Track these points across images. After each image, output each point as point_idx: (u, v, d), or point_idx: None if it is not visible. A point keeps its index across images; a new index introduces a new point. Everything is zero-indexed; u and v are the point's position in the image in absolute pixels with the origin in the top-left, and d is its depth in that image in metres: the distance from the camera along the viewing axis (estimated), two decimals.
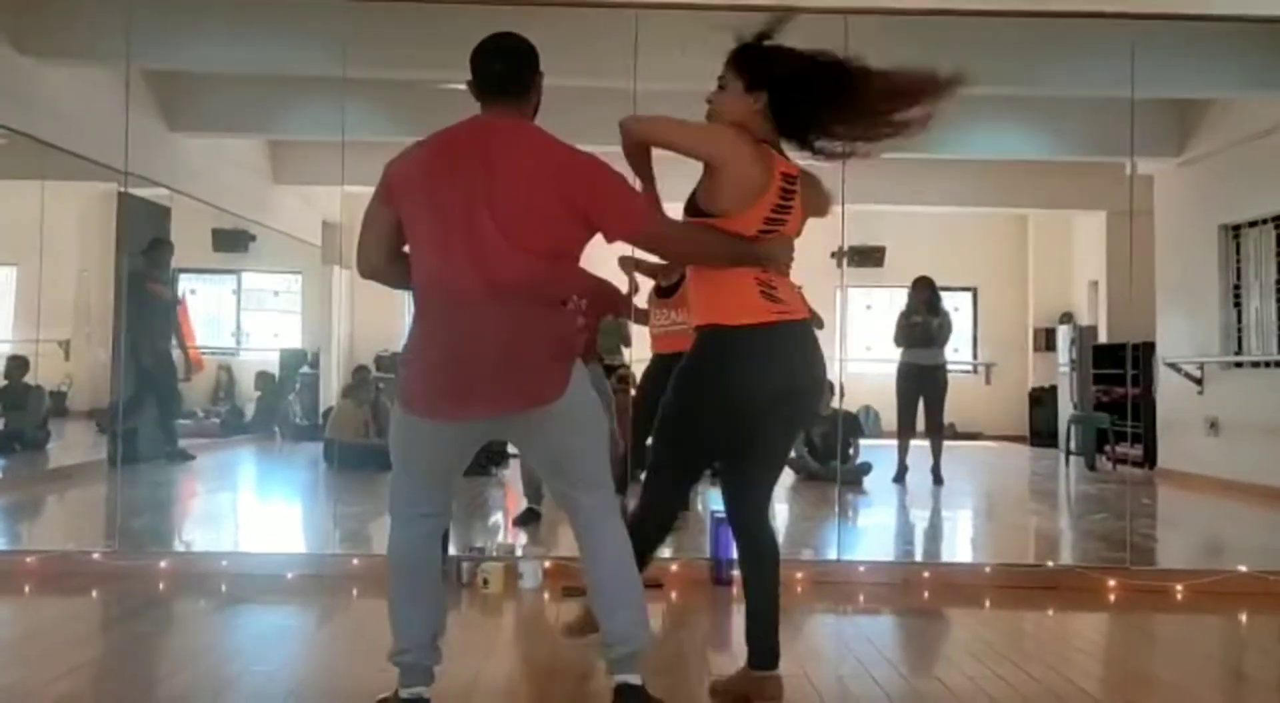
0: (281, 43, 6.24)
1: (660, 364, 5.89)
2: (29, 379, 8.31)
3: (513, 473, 8.68)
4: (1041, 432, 10.90)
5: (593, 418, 2.72)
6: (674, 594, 4.43)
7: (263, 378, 10.49)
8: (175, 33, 6.10)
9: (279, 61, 6.47)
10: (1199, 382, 8.33)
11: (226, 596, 4.35)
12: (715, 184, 2.83)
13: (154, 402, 8.16)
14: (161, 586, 4.44)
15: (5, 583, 4.39)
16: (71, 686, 3.11)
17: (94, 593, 4.35)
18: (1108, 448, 9.30)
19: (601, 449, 2.75)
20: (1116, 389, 9.43)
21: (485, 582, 4.35)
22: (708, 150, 2.82)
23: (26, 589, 4.36)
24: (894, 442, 8.20)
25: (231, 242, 10.05)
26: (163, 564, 4.62)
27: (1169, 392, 8.62)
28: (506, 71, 2.73)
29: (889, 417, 8.92)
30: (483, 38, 2.75)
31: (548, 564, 4.55)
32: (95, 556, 4.69)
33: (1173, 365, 8.47)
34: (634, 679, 2.67)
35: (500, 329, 2.55)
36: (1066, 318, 11.38)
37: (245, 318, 11.14)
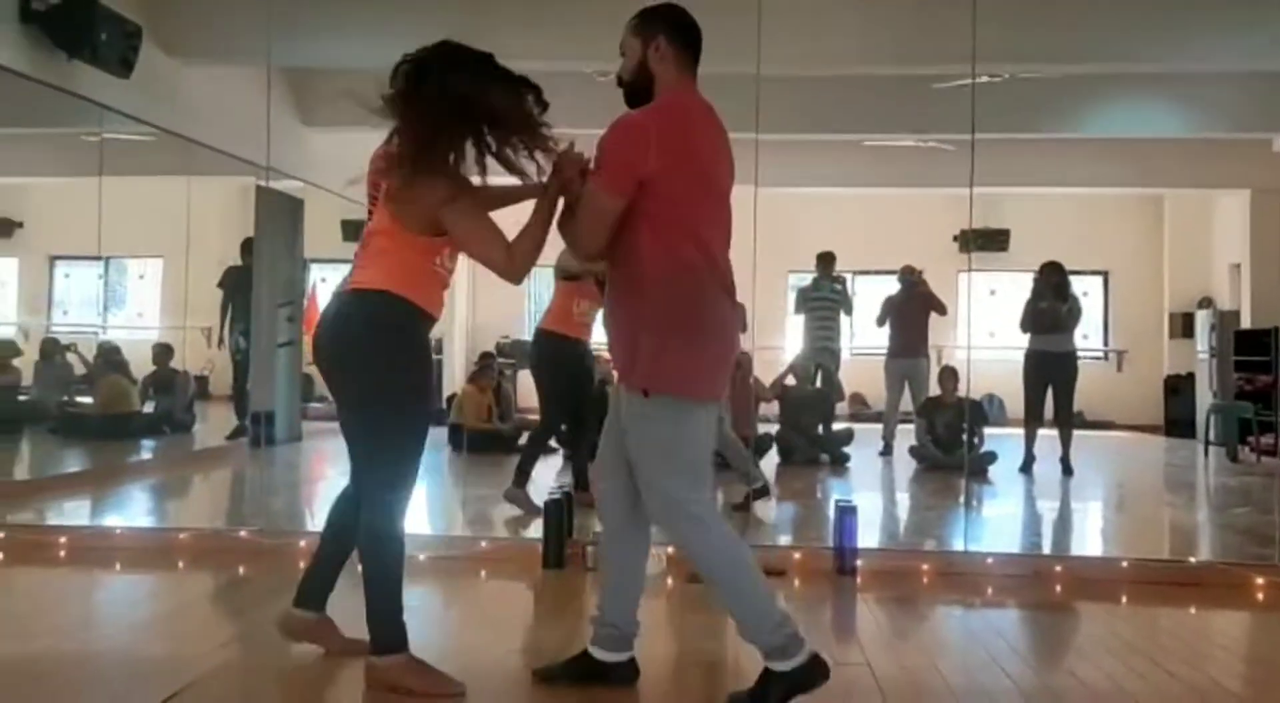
0: (410, 38, 6.40)
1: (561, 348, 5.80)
2: (174, 365, 8.77)
3: None
4: (1178, 421, 10.46)
5: None
6: (797, 583, 4.41)
7: None
8: (311, 31, 6.32)
9: None
10: None
11: (362, 575, 4.50)
12: None
13: None
14: (302, 563, 4.60)
15: (160, 558, 4.66)
16: (224, 657, 3.28)
17: (241, 569, 4.57)
18: (1251, 438, 8.86)
19: None
20: (1261, 377, 8.98)
21: None
22: None
23: (180, 564, 4.61)
24: (1017, 431, 7.99)
25: (360, 232, 10.35)
26: (303, 543, 4.81)
27: None
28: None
29: (1013, 405, 8.69)
30: (676, 7, 2.79)
31: (670, 551, 4.58)
32: (242, 533, 4.93)
33: None
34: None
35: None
36: (1205, 303, 10.88)
37: None
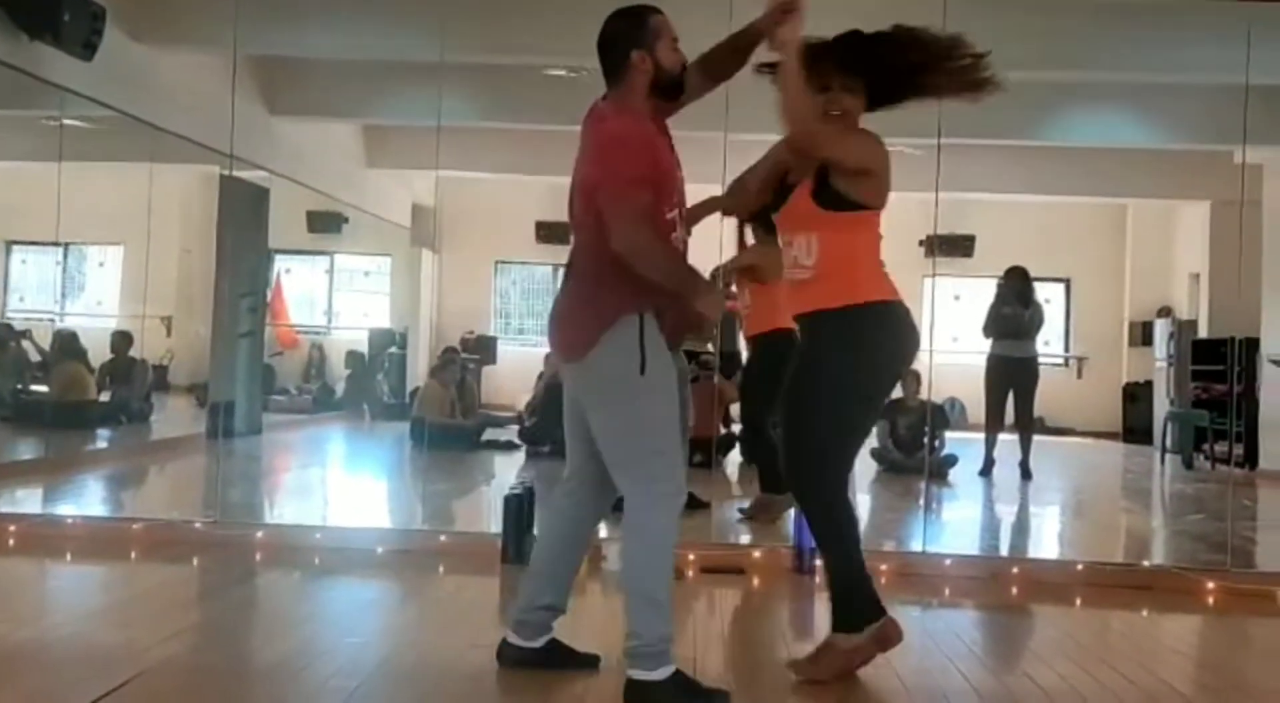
0: (380, 28, 6.37)
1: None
2: (133, 353, 8.64)
3: None
4: (1136, 428, 10.60)
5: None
6: (755, 581, 4.42)
7: (353, 357, 10.75)
8: (279, 19, 6.25)
9: (377, 47, 6.59)
10: None
11: (319, 567, 4.47)
12: (873, 183, 3.04)
13: None
14: (258, 556, 4.59)
15: (113, 548, 4.58)
16: (175, 649, 3.23)
17: (195, 561, 4.52)
18: (1206, 447, 9.00)
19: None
20: (1216, 386, 9.11)
21: None
22: (871, 164, 3.02)
23: (133, 555, 4.55)
24: (979, 435, 8.05)
25: (325, 223, 10.30)
26: (259, 535, 4.77)
27: (1273, 389, 8.29)
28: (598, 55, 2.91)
29: (974, 409, 8.77)
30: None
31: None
32: (197, 525, 4.87)
33: (1278, 362, 8.15)
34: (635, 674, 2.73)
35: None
36: (1165, 312, 11.03)
37: (337, 298, 11.42)
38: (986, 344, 8.05)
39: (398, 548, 4.68)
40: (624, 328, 2.74)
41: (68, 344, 8.30)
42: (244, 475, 6.93)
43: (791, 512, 4.86)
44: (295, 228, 10.09)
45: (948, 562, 4.68)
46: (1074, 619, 4.17)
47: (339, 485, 7.71)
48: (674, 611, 2.79)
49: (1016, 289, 8.01)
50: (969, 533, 6.14)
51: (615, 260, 2.73)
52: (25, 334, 8.35)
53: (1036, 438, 8.00)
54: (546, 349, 10.77)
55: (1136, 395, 10.84)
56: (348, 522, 5.63)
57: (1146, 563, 5.03)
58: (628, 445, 2.77)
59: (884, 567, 4.56)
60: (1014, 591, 4.46)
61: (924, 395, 7.83)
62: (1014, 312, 7.93)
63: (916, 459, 7.53)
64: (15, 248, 9.02)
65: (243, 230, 8.16)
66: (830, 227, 3.01)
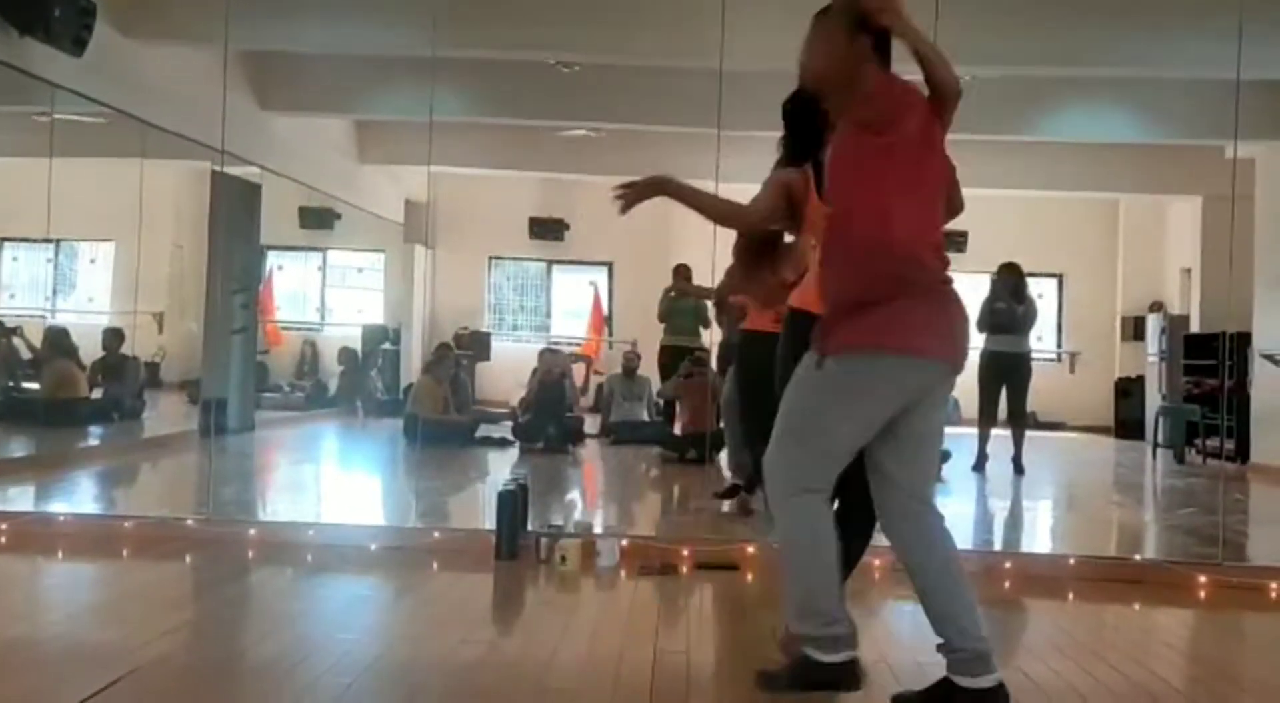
0: (372, 23, 6.35)
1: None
2: (125, 350, 8.62)
3: (589, 451, 8.77)
4: (1128, 423, 10.63)
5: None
6: (750, 576, 4.42)
7: (345, 353, 10.73)
8: (271, 14, 6.24)
9: (369, 42, 6.57)
10: None
11: (312, 564, 4.46)
12: None
13: None
14: (251, 553, 4.58)
15: (104, 546, 4.57)
16: (167, 646, 3.22)
17: (187, 558, 4.51)
18: (1197, 441, 9.03)
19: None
20: (1208, 381, 9.15)
21: (563, 559, 4.39)
22: None
23: (124, 552, 4.53)
24: (971, 430, 8.06)
25: (318, 219, 10.29)
26: (252, 532, 4.76)
27: (1265, 384, 8.33)
28: None
29: (967, 404, 8.78)
30: None
31: (625, 543, 4.58)
32: (189, 522, 4.85)
33: (1269, 357, 8.17)
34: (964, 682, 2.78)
35: None
36: (1156, 307, 11.06)
37: (329, 294, 11.40)
38: (980, 340, 8.05)
39: (391, 545, 4.67)
40: None
41: (59, 341, 8.27)
42: (236, 472, 6.92)
43: None
44: (287, 224, 10.09)
45: None
46: (1066, 614, 4.17)
47: (332, 482, 7.69)
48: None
49: (1009, 285, 8.02)
50: (962, 528, 6.13)
51: None
52: (16, 331, 8.32)
53: (1029, 433, 8.01)
54: (540, 345, 10.76)
55: (1129, 390, 10.87)
56: (341, 518, 5.61)
57: (1138, 557, 5.04)
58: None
59: (877, 562, 4.56)
60: (1006, 585, 4.46)
61: None
62: (1007, 307, 7.94)
63: None
64: (6, 245, 8.99)
65: (235, 226, 8.14)
66: None
